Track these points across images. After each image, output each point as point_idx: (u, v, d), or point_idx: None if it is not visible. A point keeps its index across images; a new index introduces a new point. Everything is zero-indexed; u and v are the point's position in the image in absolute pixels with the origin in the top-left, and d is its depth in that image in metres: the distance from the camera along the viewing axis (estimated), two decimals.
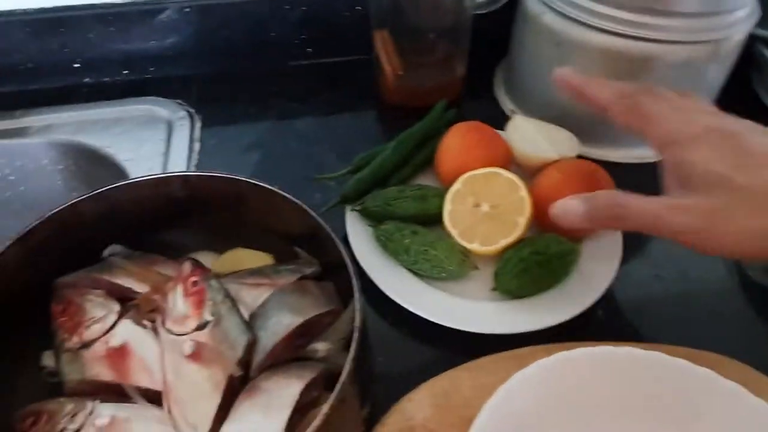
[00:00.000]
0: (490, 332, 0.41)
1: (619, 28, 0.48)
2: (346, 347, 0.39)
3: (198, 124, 0.61)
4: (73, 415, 0.34)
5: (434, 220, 0.47)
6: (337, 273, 0.43)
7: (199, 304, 0.37)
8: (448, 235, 0.46)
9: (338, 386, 0.31)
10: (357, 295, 0.35)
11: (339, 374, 0.38)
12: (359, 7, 0.66)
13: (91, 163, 0.60)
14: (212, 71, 0.67)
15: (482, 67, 0.66)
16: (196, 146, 0.59)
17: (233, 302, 0.38)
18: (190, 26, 0.64)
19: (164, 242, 0.45)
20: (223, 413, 0.34)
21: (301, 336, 0.39)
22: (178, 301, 0.38)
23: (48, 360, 0.40)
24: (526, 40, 0.57)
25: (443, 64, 0.61)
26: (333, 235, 0.37)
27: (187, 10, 0.63)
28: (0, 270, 0.36)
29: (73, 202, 0.38)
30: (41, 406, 0.35)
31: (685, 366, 0.32)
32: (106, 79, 0.67)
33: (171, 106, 0.63)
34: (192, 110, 0.63)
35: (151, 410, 0.35)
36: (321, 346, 0.40)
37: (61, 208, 0.38)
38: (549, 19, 0.52)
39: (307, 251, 0.45)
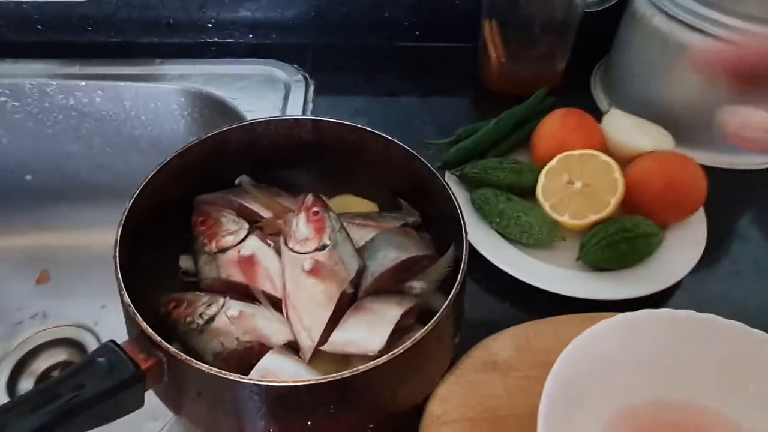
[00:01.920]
0: (570, 294, 0.45)
1: (729, 35, 0.51)
2: (440, 289, 0.45)
3: (312, 88, 0.67)
4: (209, 305, 0.40)
5: (526, 192, 0.51)
6: (434, 225, 0.48)
7: (320, 230, 0.43)
8: (540, 207, 0.49)
9: (447, 302, 0.35)
10: (465, 235, 0.39)
11: (432, 311, 0.43)
12: None
13: (214, 110, 0.67)
14: (327, 43, 0.73)
15: (581, 62, 0.68)
16: (309, 107, 0.65)
17: (347, 233, 0.44)
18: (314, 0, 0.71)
19: (282, 180, 0.51)
20: (333, 323, 0.40)
21: (403, 271, 0.43)
22: (300, 226, 0.43)
23: (185, 262, 0.46)
24: (632, 40, 0.60)
25: (545, 57, 0.65)
26: (446, 184, 0.42)
27: None
28: (160, 179, 0.42)
29: (225, 129, 0.45)
30: (182, 295, 0.41)
31: (764, 338, 0.35)
32: (231, 40, 0.74)
33: (288, 70, 0.69)
34: (307, 75, 0.69)
35: (272, 311, 0.41)
36: (417, 284, 0.44)
37: (215, 132, 0.44)
38: (659, 21, 0.55)
39: (410, 204, 0.50)
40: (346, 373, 0.31)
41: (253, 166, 0.49)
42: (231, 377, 0.29)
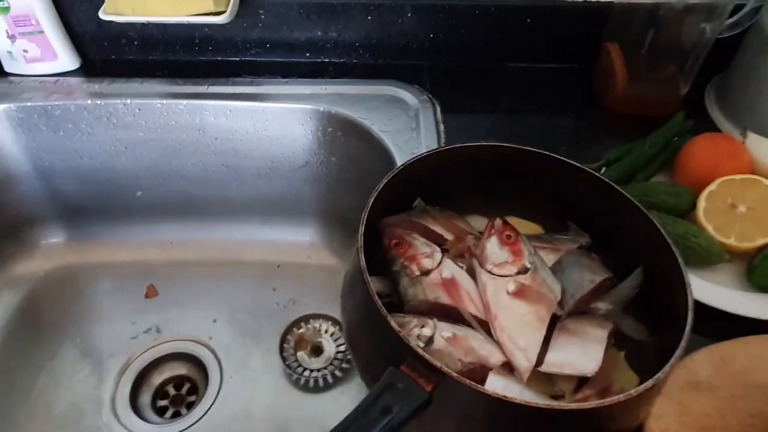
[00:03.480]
0: (745, 314, 0.47)
1: None
2: (625, 310, 0.46)
3: (438, 108, 0.69)
4: (422, 326, 0.42)
5: (681, 215, 0.53)
6: (608, 247, 0.50)
7: (518, 254, 0.44)
8: (702, 229, 0.51)
9: (685, 337, 0.36)
10: (685, 273, 0.40)
11: (620, 332, 0.44)
12: (587, 21, 0.72)
13: (344, 130, 0.69)
14: (443, 64, 0.75)
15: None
16: (441, 127, 0.66)
17: (540, 257, 0.45)
18: (433, 23, 0.72)
19: (446, 201, 0.52)
20: (545, 344, 0.41)
21: (595, 294, 0.45)
22: (495, 249, 0.45)
23: (374, 284, 0.47)
24: (761, 64, 0.62)
25: (669, 80, 0.67)
26: (642, 209, 0.43)
27: (438, 10, 0.71)
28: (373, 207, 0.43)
29: (422, 155, 0.46)
30: (400, 318, 0.42)
31: None
32: (347, 60, 0.76)
33: (412, 90, 0.71)
34: (430, 96, 0.71)
35: (482, 333, 0.42)
36: (603, 306, 0.46)
37: (413, 159, 0.46)
38: None
39: (578, 225, 0.51)
40: (622, 396, 0.32)
41: (423, 189, 0.51)
42: (523, 402, 0.31)
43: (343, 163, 0.72)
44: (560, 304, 0.43)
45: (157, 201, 0.79)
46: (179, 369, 0.73)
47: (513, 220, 0.53)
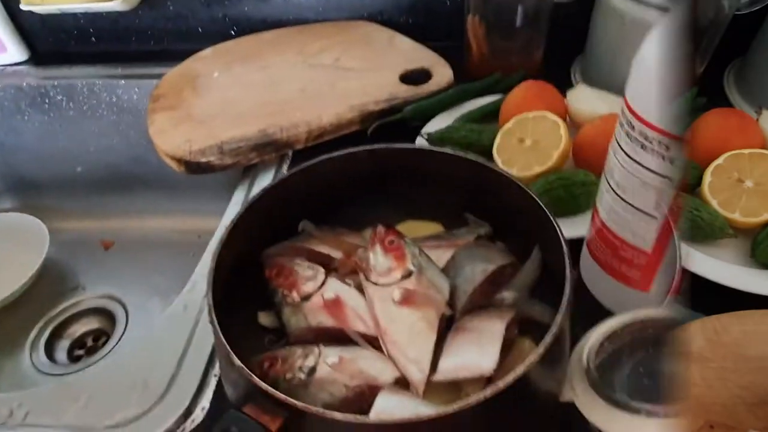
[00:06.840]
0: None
1: None
2: (532, 295, 0.43)
3: None
4: (305, 356, 0.38)
5: (485, 151, 0.56)
6: (508, 233, 0.46)
7: (401, 258, 0.41)
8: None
9: (561, 320, 0.33)
10: (563, 239, 0.37)
11: (531, 318, 0.41)
12: None
13: None
14: None
15: (563, 57, 0.73)
16: None
17: (427, 256, 0.42)
18: None
19: (340, 218, 0.49)
20: (438, 349, 0.38)
21: (492, 283, 0.42)
22: (378, 258, 0.41)
23: (264, 319, 0.44)
24: (597, 23, 0.65)
25: (523, 48, 0.69)
26: (531, 192, 0.40)
27: None
28: (233, 237, 0.40)
29: (286, 175, 0.44)
30: (275, 352, 0.39)
31: None
32: None
33: None
34: None
35: (371, 351, 0.39)
36: (508, 295, 0.43)
37: (277, 181, 0.43)
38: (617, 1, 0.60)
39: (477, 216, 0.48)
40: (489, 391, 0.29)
41: (309, 210, 0.48)
42: (373, 421, 0.27)
43: None
44: (451, 303, 0.40)
45: (95, 176, 0.85)
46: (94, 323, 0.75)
47: (413, 224, 0.51)
